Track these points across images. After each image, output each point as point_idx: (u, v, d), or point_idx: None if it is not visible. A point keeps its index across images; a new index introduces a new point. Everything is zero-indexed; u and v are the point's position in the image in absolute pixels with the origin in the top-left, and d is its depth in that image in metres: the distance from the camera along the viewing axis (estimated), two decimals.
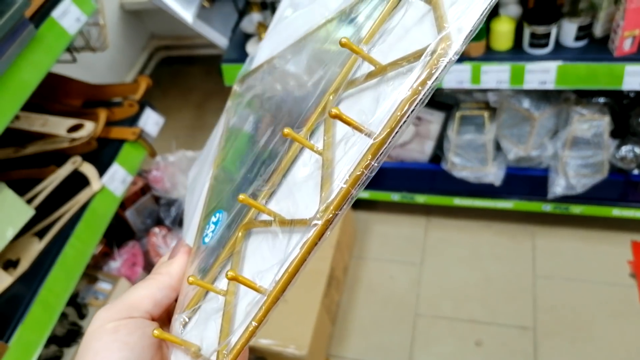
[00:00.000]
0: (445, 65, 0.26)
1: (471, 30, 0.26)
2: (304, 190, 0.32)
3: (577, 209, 1.53)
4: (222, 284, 0.34)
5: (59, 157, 1.15)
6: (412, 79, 0.26)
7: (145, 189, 1.49)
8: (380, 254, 1.71)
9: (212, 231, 0.39)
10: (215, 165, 0.46)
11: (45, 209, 1.09)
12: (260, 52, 0.52)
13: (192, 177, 0.55)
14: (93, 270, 1.32)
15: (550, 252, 1.61)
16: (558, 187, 1.47)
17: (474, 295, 1.56)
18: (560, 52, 1.23)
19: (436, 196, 1.64)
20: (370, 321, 1.56)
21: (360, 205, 1.80)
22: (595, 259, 1.57)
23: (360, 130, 0.27)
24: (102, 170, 1.14)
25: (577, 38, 1.21)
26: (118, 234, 1.44)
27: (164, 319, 0.40)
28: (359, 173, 0.27)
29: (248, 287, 0.29)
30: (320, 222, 0.27)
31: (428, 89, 0.26)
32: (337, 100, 0.34)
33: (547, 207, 1.56)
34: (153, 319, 0.36)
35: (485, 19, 0.26)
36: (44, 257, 1.04)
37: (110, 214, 1.14)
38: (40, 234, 1.06)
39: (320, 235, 0.28)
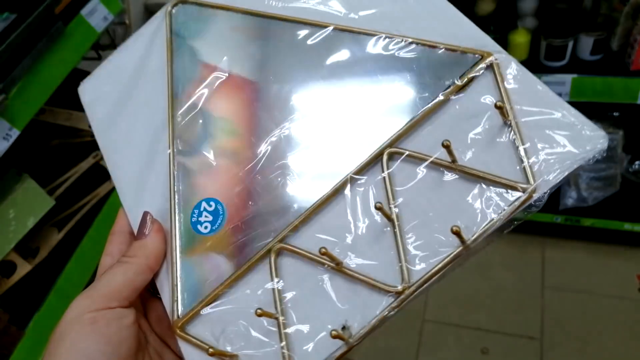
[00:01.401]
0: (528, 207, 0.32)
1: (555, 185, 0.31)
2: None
3: (588, 222, 1.54)
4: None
5: (82, 150, 1.18)
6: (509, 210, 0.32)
7: None
8: None
9: (211, 222, 0.38)
10: (171, 116, 0.43)
11: (66, 201, 1.12)
12: None
13: (101, 93, 0.48)
14: None
15: (559, 263, 1.61)
16: (569, 199, 1.48)
17: (481, 303, 1.57)
18: (576, 64, 1.24)
19: None
20: None
21: None
22: (605, 272, 1.57)
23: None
24: None
25: (594, 51, 1.22)
26: None
27: (139, 305, 0.39)
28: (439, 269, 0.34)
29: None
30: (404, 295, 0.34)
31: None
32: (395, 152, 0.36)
33: (558, 219, 1.56)
34: (131, 305, 0.35)
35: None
36: (62, 247, 1.07)
37: None
38: (60, 225, 1.09)
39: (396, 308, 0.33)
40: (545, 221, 1.59)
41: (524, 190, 0.31)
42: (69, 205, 1.11)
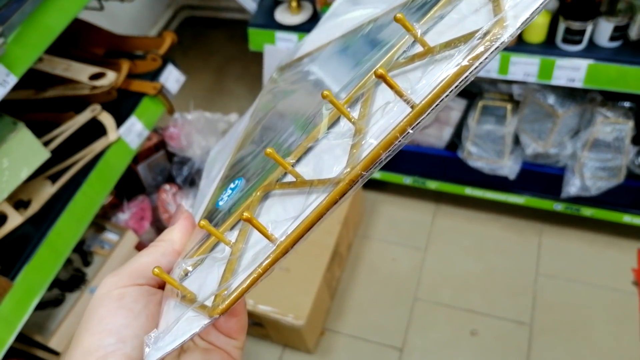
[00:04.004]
0: (498, 47, 0.25)
1: (528, 18, 0.25)
2: (330, 157, 0.32)
3: (588, 212, 1.52)
4: (232, 238, 0.34)
5: (78, 104, 1.15)
6: (462, 56, 0.26)
7: (159, 145, 1.49)
8: (385, 235, 1.71)
9: (229, 195, 0.39)
10: (238, 146, 0.46)
11: (61, 154, 1.09)
12: (304, 45, 0.52)
13: (212, 157, 0.55)
14: (101, 220, 1.33)
15: (555, 251, 1.61)
16: (572, 187, 1.46)
17: (474, 285, 1.56)
18: (593, 50, 1.21)
19: (448, 184, 1.63)
20: (369, 300, 1.57)
21: (370, 184, 1.79)
22: (600, 263, 1.57)
23: (402, 95, 0.27)
24: (119, 122, 1.14)
25: (612, 38, 1.19)
26: (129, 187, 1.45)
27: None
28: (392, 136, 0.26)
29: (260, 232, 0.29)
30: (345, 180, 0.27)
31: (476, 67, 0.25)
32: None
33: (559, 207, 1.55)
34: (159, 287, 0.36)
35: (541, 11, 0.26)
36: (55, 201, 1.05)
37: (123, 166, 1.15)
38: (53, 178, 1.07)
39: (342, 194, 0.27)
40: (545, 208, 1.57)
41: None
42: (63, 158, 1.09)
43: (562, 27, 1.19)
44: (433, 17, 0.32)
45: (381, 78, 0.26)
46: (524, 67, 1.24)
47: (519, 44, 1.25)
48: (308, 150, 0.35)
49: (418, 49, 0.31)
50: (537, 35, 1.23)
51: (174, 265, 0.36)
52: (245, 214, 0.28)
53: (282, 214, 0.32)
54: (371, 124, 0.29)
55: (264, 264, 0.28)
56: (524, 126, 1.49)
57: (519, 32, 0.25)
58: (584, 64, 1.19)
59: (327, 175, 0.29)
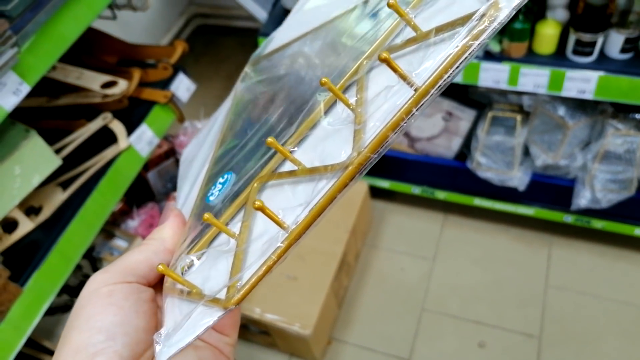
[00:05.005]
0: (496, 27, 0.26)
1: (520, 2, 0.26)
2: (332, 143, 0.32)
3: (598, 224, 1.51)
4: (235, 230, 0.34)
5: (90, 112, 1.17)
6: (462, 37, 0.27)
7: (170, 153, 1.50)
8: (393, 244, 1.70)
9: (219, 190, 0.39)
10: (220, 141, 0.46)
11: (72, 161, 1.10)
12: (277, 38, 0.53)
13: (189, 152, 0.54)
14: (111, 227, 1.34)
15: (565, 263, 1.59)
16: (583, 199, 1.45)
17: (483, 296, 1.55)
18: (603, 62, 1.20)
19: (457, 194, 1.62)
20: (376, 310, 1.57)
21: (379, 194, 1.79)
22: (611, 276, 1.55)
23: (405, 78, 0.27)
24: (130, 129, 1.15)
25: (623, 50, 1.18)
26: (138, 194, 1.46)
27: (159, 286, 0.39)
28: (399, 117, 0.27)
29: (272, 220, 0.29)
30: (354, 164, 0.28)
31: (474, 48, 0.26)
32: (372, 65, 0.34)
33: (569, 219, 1.54)
34: (149, 285, 0.35)
35: None
36: (65, 207, 1.06)
37: (133, 174, 1.16)
38: (64, 185, 1.08)
39: (351, 177, 0.28)
40: (554, 220, 1.56)
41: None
42: (74, 165, 1.10)
43: (572, 38, 1.18)
44: (420, 4, 0.33)
45: (385, 62, 0.27)
46: (534, 79, 1.24)
47: (529, 55, 1.25)
48: (304, 138, 0.35)
49: (408, 34, 0.31)
50: (547, 46, 1.23)
51: (174, 262, 0.36)
52: (257, 203, 0.29)
53: (291, 201, 0.32)
54: (373, 109, 0.30)
55: (277, 251, 0.29)
56: (533, 137, 1.49)
57: (514, 12, 0.26)
58: (594, 75, 1.18)
59: (333, 161, 0.30)
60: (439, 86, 0.27)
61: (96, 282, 0.33)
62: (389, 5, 0.28)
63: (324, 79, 0.30)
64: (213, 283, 0.32)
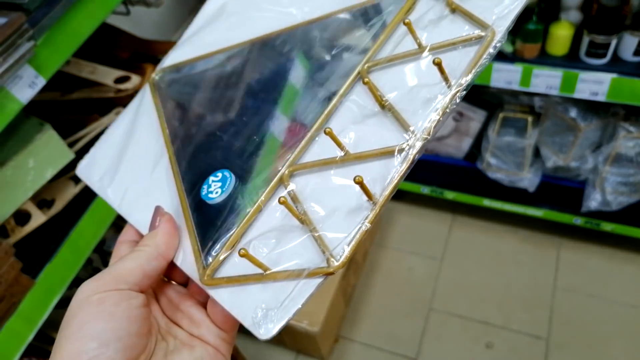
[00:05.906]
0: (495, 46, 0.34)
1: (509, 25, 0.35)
2: (371, 132, 0.37)
3: (608, 227, 1.51)
4: (271, 220, 0.37)
5: (103, 106, 1.17)
6: (482, 47, 0.34)
7: None
8: (401, 244, 1.70)
9: (220, 187, 0.40)
10: (168, 142, 0.47)
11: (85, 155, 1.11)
12: (186, 46, 0.58)
13: (89, 161, 0.53)
14: (122, 221, 1.34)
15: (574, 265, 1.59)
16: (593, 201, 1.45)
17: (490, 297, 1.55)
18: (616, 64, 1.20)
19: (466, 195, 1.62)
20: (384, 309, 1.57)
21: None
22: (620, 279, 1.55)
23: (448, 80, 0.35)
24: None
25: (637, 52, 1.17)
26: None
27: (151, 292, 0.39)
28: (451, 96, 0.34)
29: (365, 192, 0.33)
30: (416, 147, 0.33)
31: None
32: (370, 70, 0.39)
33: (578, 221, 1.53)
34: (141, 291, 0.35)
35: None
36: (78, 201, 1.07)
37: None
38: (77, 179, 1.09)
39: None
40: (564, 222, 1.56)
41: (486, 33, 0.35)
42: None
43: (585, 40, 1.18)
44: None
45: (438, 65, 0.34)
46: (547, 80, 1.24)
47: (542, 57, 1.24)
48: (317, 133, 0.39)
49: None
50: (560, 48, 1.22)
51: (243, 247, 0.36)
52: (358, 178, 0.32)
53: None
54: (405, 106, 0.36)
55: (370, 218, 0.33)
56: (544, 139, 1.48)
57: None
58: (607, 77, 1.18)
59: (376, 147, 0.35)
60: (471, 81, 0.35)
61: (87, 291, 0.33)
62: (405, 24, 0.37)
63: (366, 79, 0.37)
64: (292, 260, 0.35)
